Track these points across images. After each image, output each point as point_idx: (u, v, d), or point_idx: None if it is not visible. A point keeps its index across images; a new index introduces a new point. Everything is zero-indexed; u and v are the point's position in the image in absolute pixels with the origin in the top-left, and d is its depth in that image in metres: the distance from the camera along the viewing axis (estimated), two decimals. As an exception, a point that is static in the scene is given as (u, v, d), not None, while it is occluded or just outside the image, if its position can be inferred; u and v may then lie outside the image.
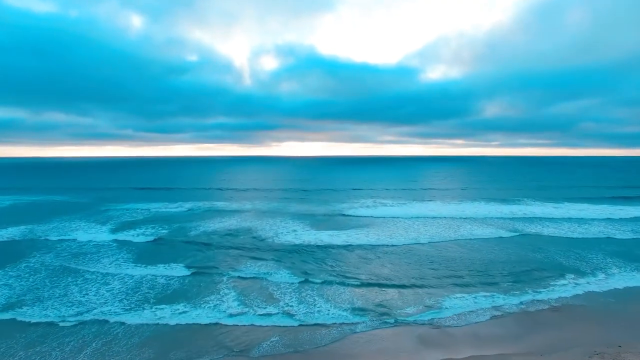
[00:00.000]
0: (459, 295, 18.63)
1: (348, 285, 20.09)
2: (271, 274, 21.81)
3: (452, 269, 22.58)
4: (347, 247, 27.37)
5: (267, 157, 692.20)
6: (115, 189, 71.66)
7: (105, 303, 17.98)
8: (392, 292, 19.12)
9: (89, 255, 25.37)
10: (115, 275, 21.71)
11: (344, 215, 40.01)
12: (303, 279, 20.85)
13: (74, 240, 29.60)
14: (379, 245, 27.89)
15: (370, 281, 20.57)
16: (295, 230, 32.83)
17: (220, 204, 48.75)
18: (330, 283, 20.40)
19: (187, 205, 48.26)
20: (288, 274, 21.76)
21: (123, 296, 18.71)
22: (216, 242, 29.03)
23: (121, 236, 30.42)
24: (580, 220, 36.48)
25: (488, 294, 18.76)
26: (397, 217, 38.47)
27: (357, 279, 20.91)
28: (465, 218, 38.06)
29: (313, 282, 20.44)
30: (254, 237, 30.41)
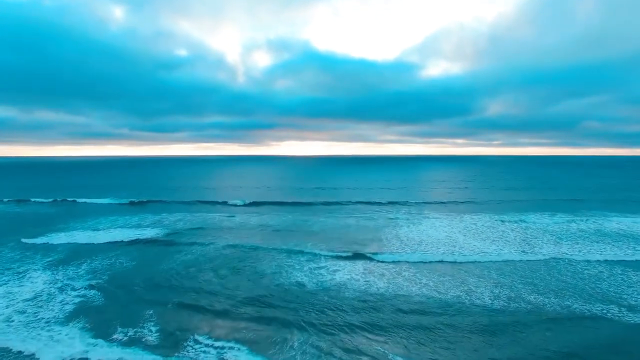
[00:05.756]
0: None
1: None
2: None
3: None
4: (424, 329, 15.09)
5: (267, 156, 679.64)
6: (81, 203, 59.30)
7: None
8: None
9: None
10: None
11: (382, 261, 27.66)
12: None
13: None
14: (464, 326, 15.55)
15: None
16: (324, 281, 20.57)
17: (211, 225, 36.37)
18: None
19: (174, 217, 35.98)
20: None
21: None
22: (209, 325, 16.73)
23: (51, 307, 18.12)
24: None
25: None
26: (476, 261, 25.80)
27: None
28: (581, 260, 25.58)
29: None
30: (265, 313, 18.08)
